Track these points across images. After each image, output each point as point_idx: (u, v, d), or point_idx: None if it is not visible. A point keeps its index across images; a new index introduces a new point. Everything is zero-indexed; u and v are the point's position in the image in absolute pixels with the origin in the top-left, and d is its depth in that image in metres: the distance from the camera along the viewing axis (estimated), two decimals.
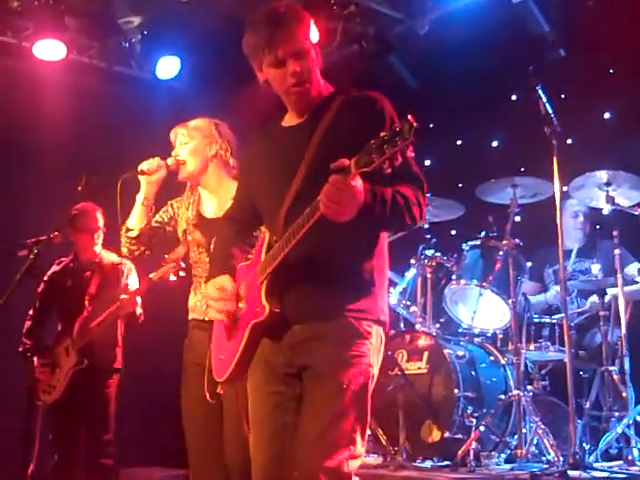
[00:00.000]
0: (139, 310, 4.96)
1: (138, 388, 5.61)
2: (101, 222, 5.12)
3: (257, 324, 2.47)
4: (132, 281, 5.05)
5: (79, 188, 4.45)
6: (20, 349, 5.03)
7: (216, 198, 3.54)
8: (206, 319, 3.33)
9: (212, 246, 2.79)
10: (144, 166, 3.50)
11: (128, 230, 3.56)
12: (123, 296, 4.78)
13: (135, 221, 3.55)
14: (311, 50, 2.55)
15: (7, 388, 4.95)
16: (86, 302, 4.98)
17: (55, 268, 5.21)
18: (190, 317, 3.55)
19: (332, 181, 2.21)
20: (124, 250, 3.62)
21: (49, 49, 6.45)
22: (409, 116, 2.09)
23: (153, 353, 6.08)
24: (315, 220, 2.31)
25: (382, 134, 2.12)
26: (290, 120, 2.69)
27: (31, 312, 5.10)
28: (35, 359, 4.93)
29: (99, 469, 4.85)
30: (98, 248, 5.15)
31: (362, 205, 2.27)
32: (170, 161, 3.51)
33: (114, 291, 4.89)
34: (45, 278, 5.06)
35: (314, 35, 2.65)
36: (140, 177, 3.51)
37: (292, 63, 2.51)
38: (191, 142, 3.53)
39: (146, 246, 3.58)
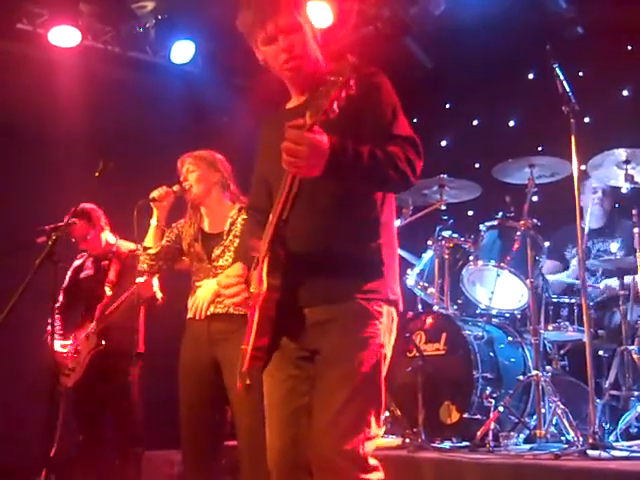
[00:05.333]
0: (159, 294, 4.98)
1: (160, 371, 5.63)
2: (103, 221, 5.29)
3: (262, 302, 2.40)
4: None
5: (96, 174, 4.50)
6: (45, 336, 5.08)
7: (215, 217, 4.01)
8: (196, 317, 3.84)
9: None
10: (155, 194, 3.98)
11: (146, 249, 4.04)
12: (139, 279, 4.82)
13: (152, 241, 4.05)
14: (304, 25, 2.52)
15: (29, 372, 4.99)
16: (107, 289, 5.04)
17: (77, 262, 5.35)
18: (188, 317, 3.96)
19: (287, 136, 2.19)
20: (144, 266, 4.09)
21: (64, 35, 6.49)
22: (347, 55, 2.12)
23: (176, 337, 6.14)
24: (290, 184, 2.31)
25: (327, 79, 2.15)
26: (292, 102, 2.67)
27: (57, 305, 5.12)
28: (56, 344, 4.96)
29: (128, 457, 4.88)
30: (112, 239, 5.29)
31: (330, 156, 2.23)
32: (176, 188, 3.99)
33: (133, 277, 4.93)
34: (69, 273, 5.25)
35: (309, 10, 2.60)
36: (152, 204, 4.01)
37: (283, 39, 2.48)
38: (197, 170, 3.99)
39: (163, 261, 4.08)
